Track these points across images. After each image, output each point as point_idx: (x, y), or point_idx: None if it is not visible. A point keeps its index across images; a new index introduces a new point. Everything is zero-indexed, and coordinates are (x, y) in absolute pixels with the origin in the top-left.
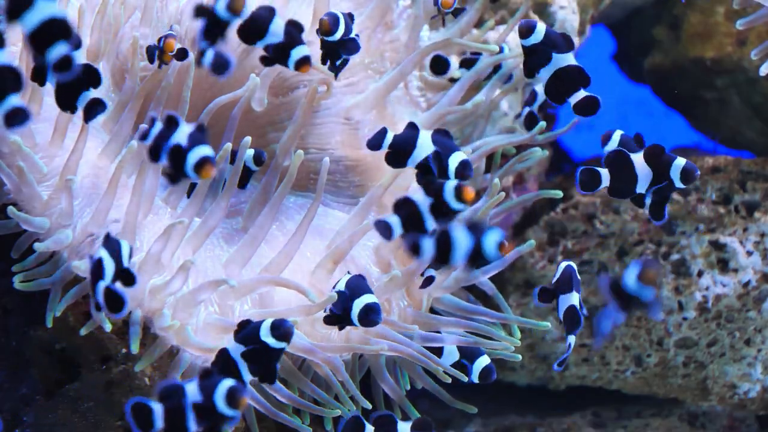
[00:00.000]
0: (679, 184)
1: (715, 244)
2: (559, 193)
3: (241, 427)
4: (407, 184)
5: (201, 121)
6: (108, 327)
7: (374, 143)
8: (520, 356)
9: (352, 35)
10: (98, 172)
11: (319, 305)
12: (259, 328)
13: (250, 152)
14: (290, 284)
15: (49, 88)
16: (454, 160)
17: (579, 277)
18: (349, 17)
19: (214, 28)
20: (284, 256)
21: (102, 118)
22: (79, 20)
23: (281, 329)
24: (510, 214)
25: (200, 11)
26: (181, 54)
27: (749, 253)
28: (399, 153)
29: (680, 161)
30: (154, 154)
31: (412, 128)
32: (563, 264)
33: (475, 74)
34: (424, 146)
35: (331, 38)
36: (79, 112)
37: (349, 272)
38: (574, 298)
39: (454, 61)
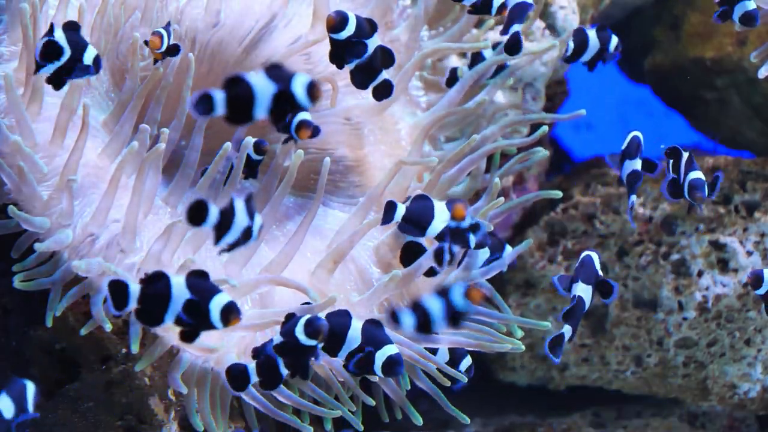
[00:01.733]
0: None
1: (715, 244)
2: (559, 194)
3: (242, 426)
4: (407, 183)
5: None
6: (108, 327)
7: (386, 220)
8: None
9: (372, 43)
10: (98, 172)
11: (320, 306)
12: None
13: (250, 141)
14: (290, 283)
15: (49, 87)
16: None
17: (598, 267)
18: (369, 24)
19: (287, 107)
20: (284, 256)
21: (102, 119)
22: (79, 20)
23: (313, 326)
24: (510, 214)
25: (281, 96)
26: (173, 50)
27: (749, 253)
28: (416, 224)
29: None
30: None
31: (425, 199)
32: (584, 253)
33: (476, 74)
34: (441, 216)
35: (336, 36)
36: (79, 112)
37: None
38: (581, 289)
39: (456, 61)
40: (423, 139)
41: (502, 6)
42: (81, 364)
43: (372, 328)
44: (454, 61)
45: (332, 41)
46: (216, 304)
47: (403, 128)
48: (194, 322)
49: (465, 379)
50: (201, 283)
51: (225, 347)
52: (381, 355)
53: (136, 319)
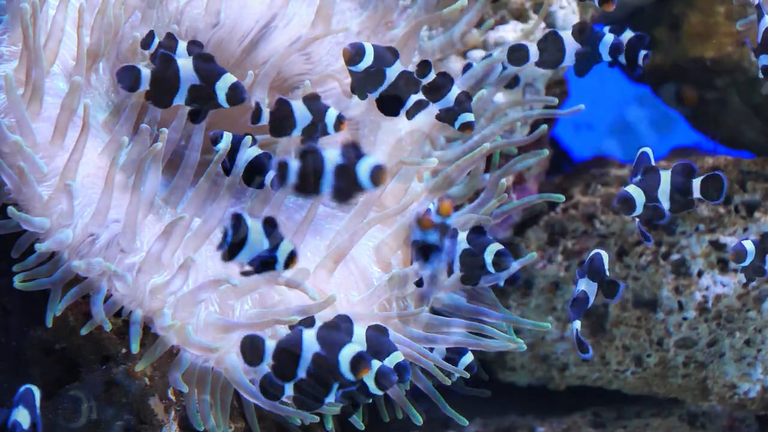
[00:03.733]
0: None
1: (715, 244)
2: (561, 198)
3: (242, 427)
4: (407, 184)
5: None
6: (108, 327)
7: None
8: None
9: (393, 71)
10: (98, 172)
11: (320, 305)
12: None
13: (248, 140)
14: (290, 283)
15: (49, 87)
16: (489, 252)
17: (606, 266)
18: (391, 52)
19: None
20: None
21: (102, 118)
22: (79, 20)
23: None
24: (510, 215)
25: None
26: None
27: None
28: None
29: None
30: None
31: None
32: (594, 251)
33: (477, 73)
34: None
35: (353, 68)
36: (80, 112)
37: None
38: (585, 285)
39: (455, 61)
40: (423, 139)
41: (467, 124)
42: (81, 364)
43: (376, 334)
44: (454, 61)
45: (351, 73)
46: (345, 356)
47: (403, 128)
48: (325, 375)
49: (468, 375)
50: (329, 335)
51: (225, 347)
52: (388, 364)
53: (273, 374)
